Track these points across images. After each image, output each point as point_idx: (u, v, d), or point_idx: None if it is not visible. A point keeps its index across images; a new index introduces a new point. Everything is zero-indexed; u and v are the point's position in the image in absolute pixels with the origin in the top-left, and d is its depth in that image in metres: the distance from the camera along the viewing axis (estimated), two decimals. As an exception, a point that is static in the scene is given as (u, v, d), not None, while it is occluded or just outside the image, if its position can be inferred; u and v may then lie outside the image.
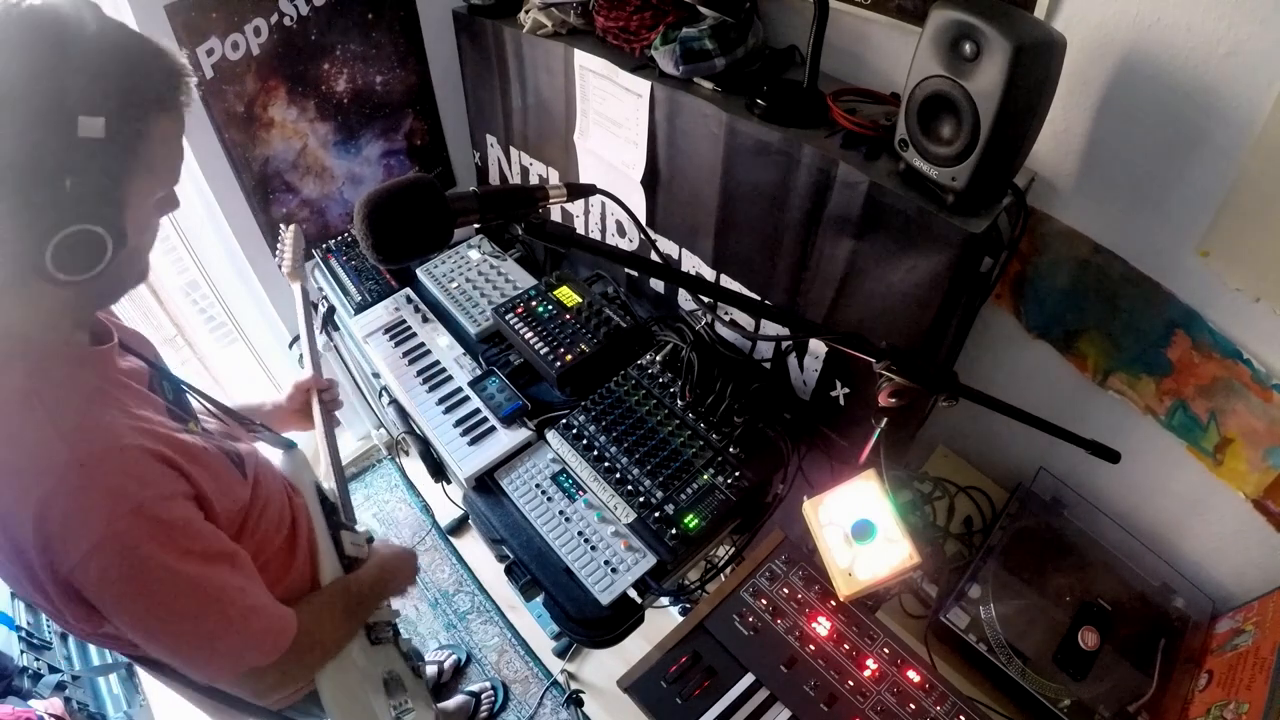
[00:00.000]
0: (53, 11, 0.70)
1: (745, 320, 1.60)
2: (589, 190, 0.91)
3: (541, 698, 2.08)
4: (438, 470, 1.65)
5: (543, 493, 1.42)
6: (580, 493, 1.41)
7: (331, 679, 1.03)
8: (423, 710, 1.20)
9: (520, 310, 1.70)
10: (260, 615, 0.87)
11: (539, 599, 1.35)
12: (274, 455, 1.20)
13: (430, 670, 2.10)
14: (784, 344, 1.55)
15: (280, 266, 1.65)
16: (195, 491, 0.82)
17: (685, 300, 1.76)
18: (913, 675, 1.16)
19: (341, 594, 1.09)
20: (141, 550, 0.75)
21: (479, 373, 1.64)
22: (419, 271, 1.93)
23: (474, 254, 1.96)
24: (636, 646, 1.28)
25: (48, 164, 0.69)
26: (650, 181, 1.60)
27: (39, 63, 0.68)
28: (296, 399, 1.39)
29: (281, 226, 1.68)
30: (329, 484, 1.31)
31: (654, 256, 1.45)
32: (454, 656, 2.16)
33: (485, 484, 1.47)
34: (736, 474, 1.40)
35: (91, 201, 0.72)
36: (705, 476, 1.40)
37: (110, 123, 0.71)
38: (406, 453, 2.53)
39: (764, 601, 1.25)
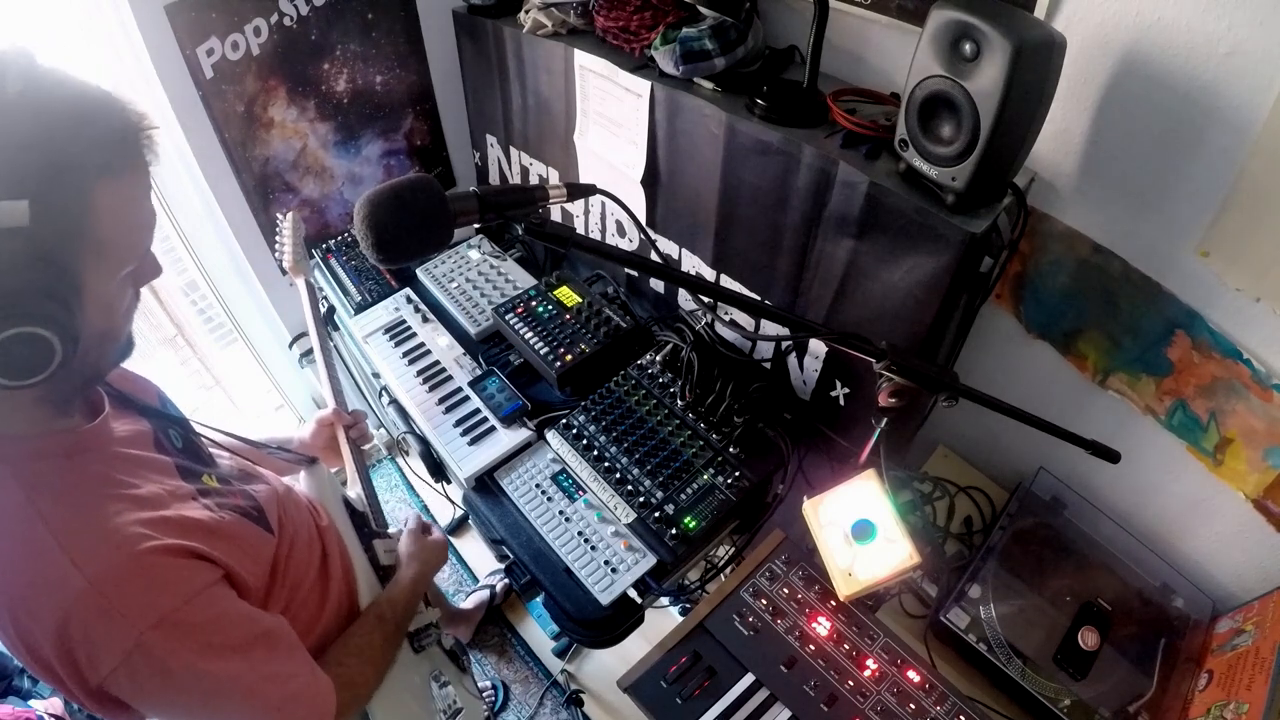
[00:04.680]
0: None
1: (745, 320, 1.60)
2: (589, 190, 0.91)
3: (541, 698, 2.08)
4: (438, 470, 1.64)
5: (543, 493, 1.42)
6: (580, 493, 1.41)
7: (380, 703, 1.02)
8: (471, 703, 1.21)
9: (520, 310, 1.70)
10: (300, 701, 0.84)
11: (539, 599, 1.35)
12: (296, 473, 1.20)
13: (482, 594, 2.22)
14: (784, 344, 1.55)
15: (280, 260, 1.57)
16: (224, 571, 0.78)
17: (685, 300, 1.76)
18: (913, 675, 1.16)
19: (377, 624, 1.04)
20: (171, 659, 0.72)
21: (479, 373, 1.64)
22: (419, 271, 1.93)
23: (474, 254, 1.96)
24: (636, 646, 1.28)
25: None
26: (650, 181, 1.59)
27: None
28: (320, 435, 1.34)
29: (279, 216, 1.60)
30: (355, 490, 1.29)
31: (654, 256, 1.45)
32: (504, 581, 2.18)
33: (485, 484, 1.47)
34: (736, 474, 1.40)
35: (28, 299, 0.62)
36: (705, 476, 1.40)
37: (38, 205, 0.60)
38: (406, 452, 2.53)
39: (764, 601, 1.25)
